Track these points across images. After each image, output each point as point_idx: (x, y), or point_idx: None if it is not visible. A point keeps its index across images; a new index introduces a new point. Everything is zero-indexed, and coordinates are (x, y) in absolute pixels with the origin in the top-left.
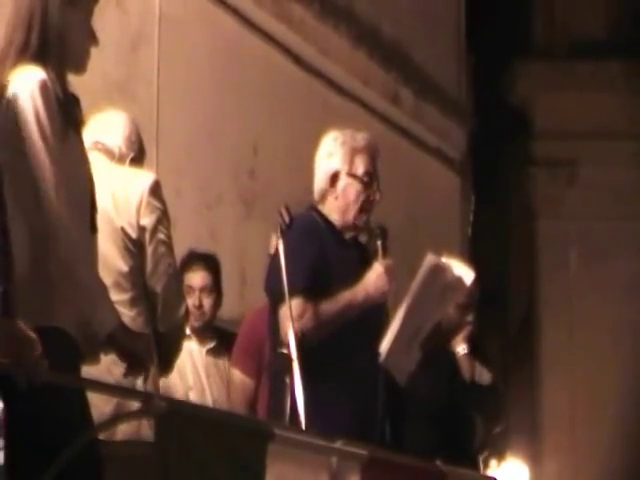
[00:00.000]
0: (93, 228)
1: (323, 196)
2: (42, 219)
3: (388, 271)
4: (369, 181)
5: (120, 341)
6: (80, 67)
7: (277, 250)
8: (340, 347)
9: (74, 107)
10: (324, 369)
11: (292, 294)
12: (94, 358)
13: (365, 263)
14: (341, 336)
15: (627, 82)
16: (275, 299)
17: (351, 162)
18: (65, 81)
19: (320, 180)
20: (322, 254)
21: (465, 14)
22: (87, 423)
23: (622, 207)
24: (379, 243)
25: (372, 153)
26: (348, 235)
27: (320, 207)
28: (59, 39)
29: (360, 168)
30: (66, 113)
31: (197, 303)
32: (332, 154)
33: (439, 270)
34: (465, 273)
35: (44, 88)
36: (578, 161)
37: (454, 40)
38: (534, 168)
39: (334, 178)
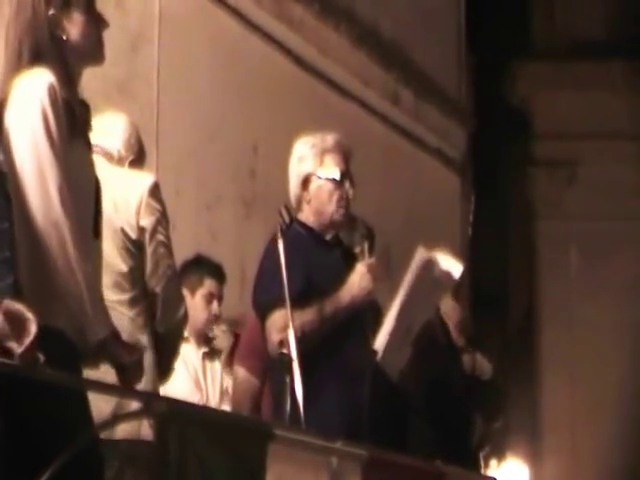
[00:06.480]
0: (97, 233)
1: (299, 202)
2: (43, 221)
3: (371, 269)
4: (341, 179)
5: (111, 350)
6: (98, 58)
7: (263, 260)
8: (332, 347)
9: (83, 112)
10: (316, 368)
11: (279, 305)
12: (93, 363)
13: (348, 261)
14: (333, 336)
15: (627, 82)
16: (263, 309)
17: (321, 163)
18: (75, 85)
19: (294, 186)
20: (307, 263)
21: (465, 14)
22: (87, 423)
23: (622, 207)
24: (365, 244)
25: (343, 152)
26: (329, 235)
27: (299, 215)
28: (64, 38)
29: (331, 168)
30: (74, 117)
31: (219, 312)
32: (302, 158)
33: (430, 264)
34: (453, 266)
35: (51, 90)
36: (578, 161)
37: (454, 40)
38: (534, 168)
39: (306, 181)
